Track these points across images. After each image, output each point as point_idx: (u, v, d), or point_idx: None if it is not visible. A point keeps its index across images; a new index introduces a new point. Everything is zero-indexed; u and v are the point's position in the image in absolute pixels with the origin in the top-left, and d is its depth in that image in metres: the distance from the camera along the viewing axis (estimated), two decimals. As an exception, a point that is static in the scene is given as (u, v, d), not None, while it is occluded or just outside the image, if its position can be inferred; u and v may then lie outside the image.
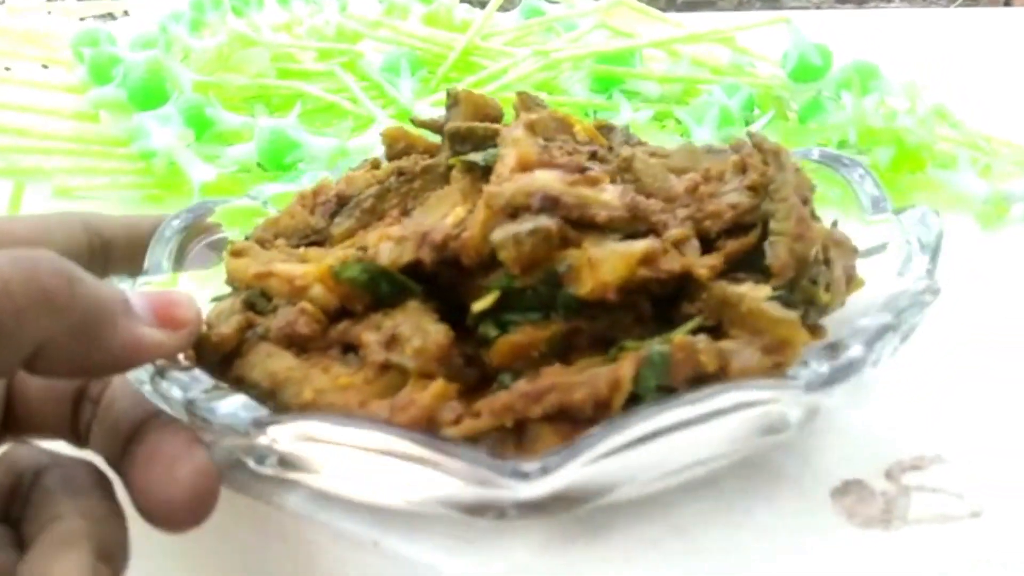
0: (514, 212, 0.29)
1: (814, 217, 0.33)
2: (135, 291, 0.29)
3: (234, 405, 0.28)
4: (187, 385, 0.29)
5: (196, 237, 0.37)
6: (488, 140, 0.35)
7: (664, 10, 0.73)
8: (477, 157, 0.34)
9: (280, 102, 0.64)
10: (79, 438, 0.31)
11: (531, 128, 0.35)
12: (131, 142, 0.57)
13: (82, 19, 0.90)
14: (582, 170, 0.31)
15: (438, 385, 0.27)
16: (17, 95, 0.65)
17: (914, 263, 0.32)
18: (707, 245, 0.31)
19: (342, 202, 0.35)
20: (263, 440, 0.27)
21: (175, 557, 0.34)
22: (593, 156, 0.34)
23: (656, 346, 0.28)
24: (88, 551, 0.25)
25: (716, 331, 0.29)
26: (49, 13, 0.90)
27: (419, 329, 0.28)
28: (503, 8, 0.71)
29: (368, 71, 0.65)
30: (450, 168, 0.35)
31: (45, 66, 0.75)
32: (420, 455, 0.26)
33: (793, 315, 0.28)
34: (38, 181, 0.54)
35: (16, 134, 0.59)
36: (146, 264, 0.35)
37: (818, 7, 1.12)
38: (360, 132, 0.58)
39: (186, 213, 0.38)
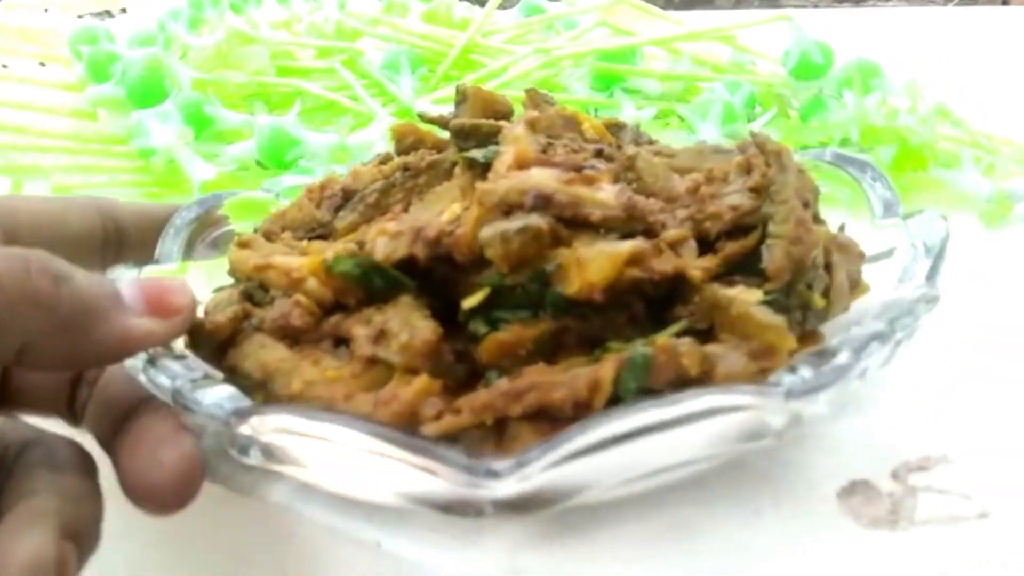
0: (508, 210, 0.29)
1: (817, 220, 0.33)
2: (127, 281, 0.30)
3: (218, 395, 0.28)
4: (176, 374, 0.29)
5: (208, 228, 0.38)
6: (492, 137, 0.35)
7: (662, 8, 0.73)
8: (478, 154, 0.34)
9: (279, 100, 0.64)
10: (75, 417, 0.31)
11: (532, 125, 0.35)
12: (130, 140, 0.57)
13: (80, 16, 0.89)
14: (578, 169, 0.31)
15: (421, 381, 0.27)
16: (14, 92, 0.65)
17: (915, 270, 0.32)
18: (708, 246, 0.31)
19: (347, 196, 0.36)
20: (244, 431, 0.28)
21: (175, 557, 0.34)
22: (599, 154, 0.34)
23: (639, 348, 0.28)
24: (53, 528, 0.26)
25: (708, 334, 0.29)
26: (46, 10, 0.89)
27: (407, 325, 0.29)
28: (502, 6, 0.71)
29: (368, 69, 0.65)
30: (455, 164, 0.35)
31: (42, 63, 0.75)
32: (392, 452, 0.26)
33: (780, 321, 0.28)
34: (36, 179, 0.53)
35: (14, 132, 0.59)
36: (157, 253, 0.36)
37: (816, 5, 1.12)
38: (360, 129, 0.58)
39: (199, 203, 0.38)
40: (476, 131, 0.36)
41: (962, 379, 0.35)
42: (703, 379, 0.27)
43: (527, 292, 0.29)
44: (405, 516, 0.28)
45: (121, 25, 0.80)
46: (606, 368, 0.27)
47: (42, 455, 0.28)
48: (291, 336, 0.31)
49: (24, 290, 0.26)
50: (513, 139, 0.33)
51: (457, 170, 0.34)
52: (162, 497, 0.28)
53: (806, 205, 0.31)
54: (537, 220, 0.28)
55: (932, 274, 0.31)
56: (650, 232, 0.30)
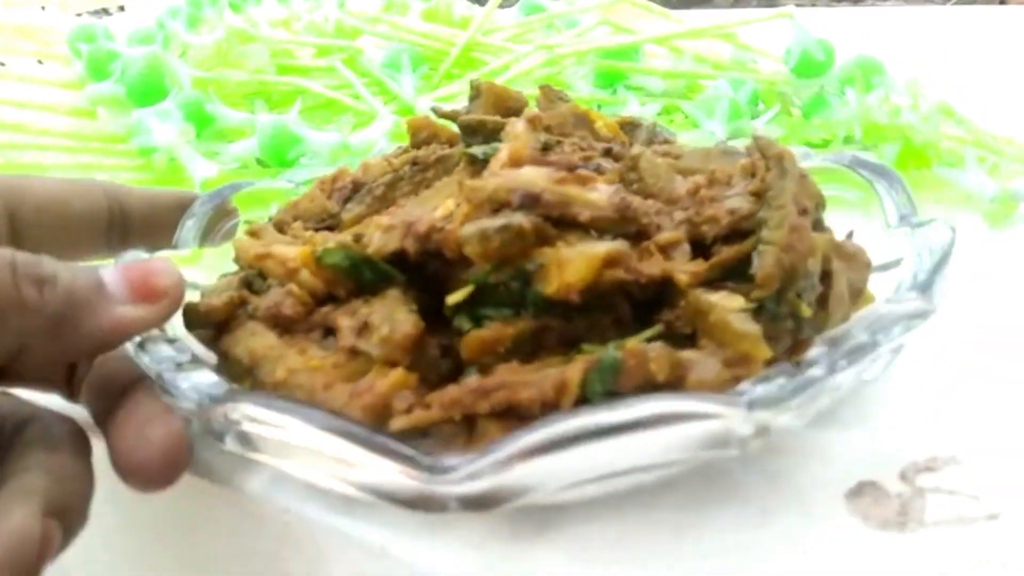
0: (498, 207, 0.29)
1: (819, 227, 0.32)
2: (110, 269, 0.30)
3: (198, 380, 0.29)
4: (162, 357, 0.30)
5: (226, 216, 0.38)
6: (497, 133, 0.35)
7: (662, 7, 0.73)
8: (478, 150, 0.34)
9: (280, 98, 0.63)
10: (73, 394, 0.32)
11: (534, 123, 0.35)
12: (130, 138, 0.56)
13: (78, 14, 0.89)
14: (572, 168, 0.31)
15: (396, 374, 0.28)
16: (13, 90, 0.65)
17: (911, 281, 0.31)
18: (705, 250, 0.31)
19: (357, 188, 0.36)
20: (218, 417, 0.28)
21: (172, 556, 0.34)
22: (607, 153, 0.34)
23: (610, 351, 0.27)
24: (39, 505, 0.26)
25: (692, 339, 0.29)
26: (43, 8, 0.89)
27: (389, 318, 0.29)
28: (502, 5, 0.70)
29: (369, 67, 0.65)
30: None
31: (40, 61, 0.74)
32: (345, 447, 0.26)
33: (755, 329, 0.28)
34: (36, 178, 0.53)
35: (13, 130, 0.59)
36: (175, 238, 0.36)
37: (814, 4, 1.12)
38: (362, 128, 0.57)
39: (218, 192, 0.39)
40: (483, 127, 0.36)
41: (968, 379, 0.35)
42: (675, 385, 0.27)
43: (510, 290, 0.29)
44: (410, 517, 0.28)
45: (119, 23, 0.79)
46: (573, 370, 0.27)
47: (37, 433, 0.29)
48: (282, 325, 0.31)
49: (10, 297, 0.27)
50: (513, 136, 0.33)
51: (459, 166, 0.35)
52: (149, 474, 0.28)
53: (805, 212, 0.31)
54: (520, 219, 0.28)
55: (926, 287, 0.30)
56: (643, 234, 0.30)
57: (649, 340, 0.28)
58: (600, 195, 0.30)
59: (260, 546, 0.31)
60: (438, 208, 0.31)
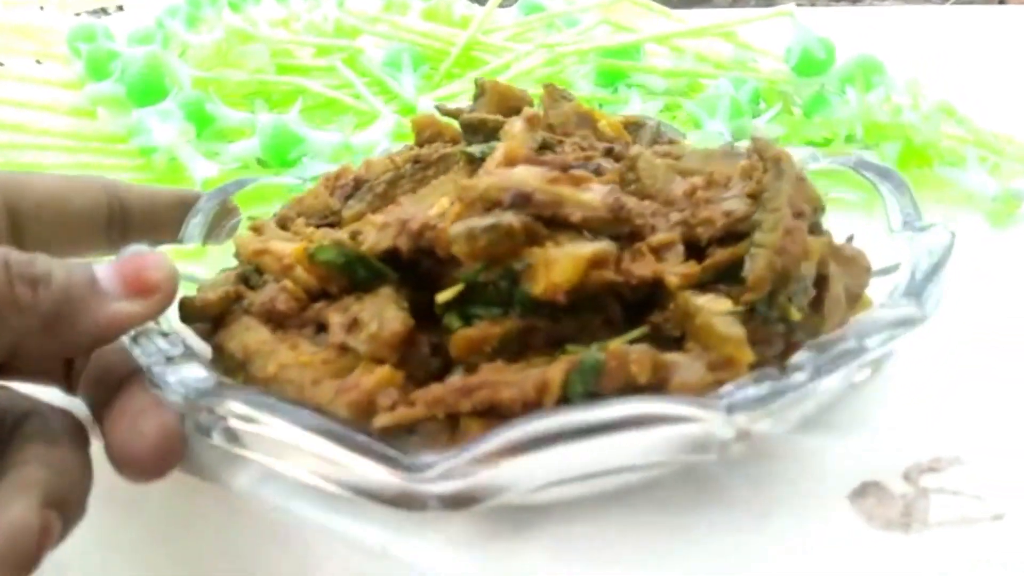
0: (490, 206, 0.29)
1: (816, 231, 0.32)
2: (104, 264, 0.30)
3: (184, 375, 0.29)
4: (153, 351, 0.30)
5: (228, 214, 0.38)
6: (497, 132, 0.35)
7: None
8: (476, 149, 0.34)
9: (280, 98, 0.63)
10: (71, 386, 0.32)
11: (532, 122, 0.35)
12: (130, 138, 0.56)
13: (76, 14, 0.89)
14: (566, 168, 0.30)
15: (383, 371, 0.28)
16: (12, 90, 0.64)
17: (905, 286, 0.31)
18: (700, 252, 0.31)
19: (359, 186, 0.36)
20: (204, 413, 0.28)
21: (166, 554, 0.34)
22: (609, 153, 0.33)
23: (592, 352, 0.27)
24: (38, 497, 0.26)
25: (680, 342, 0.29)
26: (42, 8, 0.89)
27: (379, 315, 0.29)
28: (502, 5, 0.70)
29: (369, 67, 0.65)
30: (462, 158, 0.35)
31: (39, 61, 0.74)
32: (325, 445, 0.26)
33: (740, 333, 0.28)
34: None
35: (13, 130, 0.58)
36: (181, 233, 0.37)
37: (812, 4, 1.11)
38: (364, 127, 0.57)
39: (225, 188, 0.39)
40: (483, 126, 0.36)
41: (971, 379, 0.35)
42: (658, 387, 0.27)
43: (499, 290, 0.29)
44: (410, 519, 0.28)
45: (118, 23, 0.79)
46: (555, 370, 0.27)
47: (36, 427, 0.29)
48: (276, 320, 0.31)
49: (5, 297, 0.27)
50: (510, 136, 0.33)
51: (459, 165, 0.35)
52: (143, 465, 0.29)
53: (800, 214, 0.30)
54: (510, 218, 0.28)
55: (918, 293, 0.30)
56: (637, 235, 0.30)
57: (634, 342, 0.28)
58: (594, 195, 0.30)
59: (250, 543, 0.31)
60: (434, 206, 0.31)
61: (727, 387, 0.27)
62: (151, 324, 0.31)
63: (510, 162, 0.31)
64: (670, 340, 0.29)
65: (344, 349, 0.29)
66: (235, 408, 0.28)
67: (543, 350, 0.29)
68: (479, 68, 0.64)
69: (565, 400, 0.27)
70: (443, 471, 0.26)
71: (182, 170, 0.53)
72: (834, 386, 0.28)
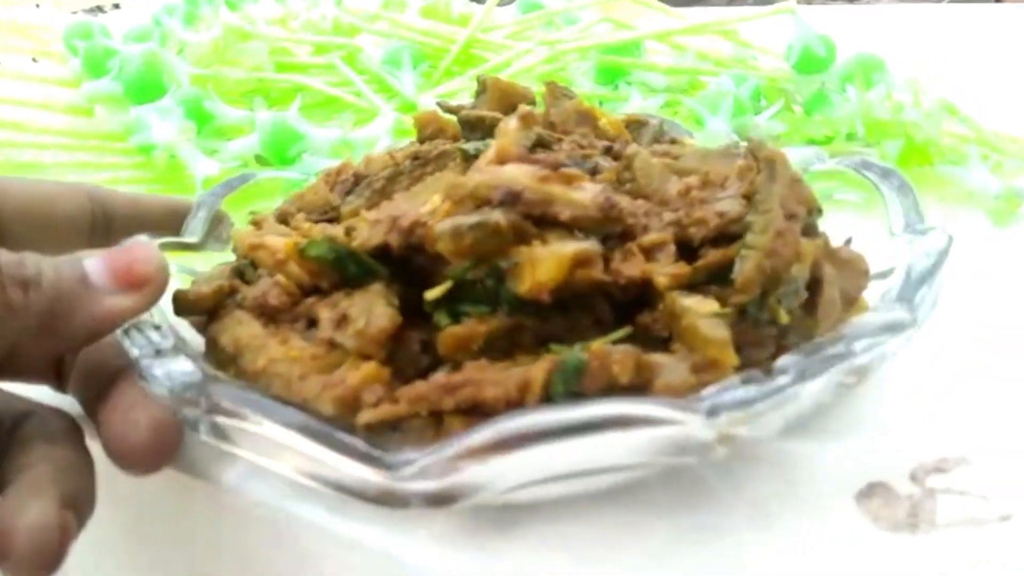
0: (480, 204, 0.29)
1: (811, 233, 0.32)
2: (94, 258, 0.30)
3: (171, 368, 0.29)
4: (143, 344, 0.30)
5: (222, 220, 0.38)
6: (495, 129, 0.35)
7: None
8: (470, 146, 0.34)
9: (279, 96, 0.63)
10: (62, 385, 0.33)
11: (526, 120, 0.35)
12: (128, 136, 0.56)
13: (73, 12, 0.88)
14: (557, 166, 0.30)
15: (368, 367, 0.28)
16: (9, 88, 0.64)
17: (899, 291, 0.30)
18: (693, 252, 0.30)
19: (358, 182, 0.36)
20: (190, 407, 0.28)
21: (165, 555, 0.34)
22: (608, 151, 0.33)
23: (576, 352, 0.27)
24: (54, 498, 0.27)
25: (667, 343, 0.29)
26: (38, 6, 0.88)
27: (367, 311, 0.29)
28: (501, 3, 0.70)
29: (369, 64, 0.64)
30: (459, 155, 0.35)
31: (35, 59, 0.74)
32: (306, 443, 0.26)
33: (724, 335, 0.27)
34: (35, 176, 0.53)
35: (10, 128, 0.58)
36: (183, 228, 0.37)
37: (810, 2, 1.11)
38: (364, 124, 0.57)
39: (228, 183, 0.39)
40: (481, 123, 0.36)
41: (976, 378, 0.34)
42: (642, 388, 0.27)
43: (486, 288, 0.29)
44: (398, 515, 0.28)
45: (115, 21, 0.79)
46: (537, 369, 0.27)
47: (36, 427, 0.29)
48: (268, 315, 0.31)
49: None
50: (504, 133, 0.33)
51: (455, 161, 0.35)
52: (140, 457, 0.29)
53: (793, 216, 0.30)
54: (496, 216, 0.28)
55: (911, 297, 0.30)
56: (629, 234, 0.30)
57: (621, 342, 0.28)
58: (585, 194, 0.30)
59: (242, 540, 0.31)
60: (427, 203, 0.31)
61: (709, 389, 0.26)
62: (144, 317, 0.31)
63: (501, 160, 0.31)
64: (658, 341, 0.29)
65: (333, 344, 0.29)
66: (219, 403, 0.28)
67: (531, 349, 0.29)
68: (479, 66, 0.64)
69: (548, 399, 0.27)
70: (423, 468, 0.26)
71: (182, 168, 0.53)
72: (820, 390, 0.28)
